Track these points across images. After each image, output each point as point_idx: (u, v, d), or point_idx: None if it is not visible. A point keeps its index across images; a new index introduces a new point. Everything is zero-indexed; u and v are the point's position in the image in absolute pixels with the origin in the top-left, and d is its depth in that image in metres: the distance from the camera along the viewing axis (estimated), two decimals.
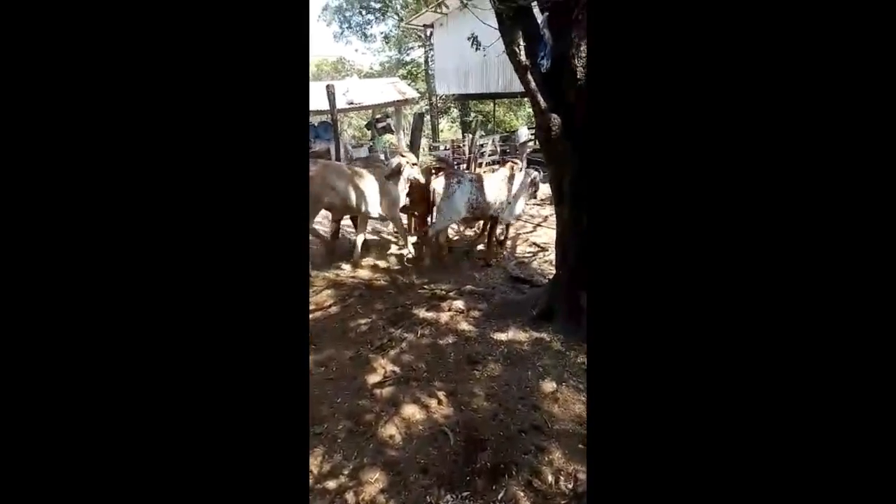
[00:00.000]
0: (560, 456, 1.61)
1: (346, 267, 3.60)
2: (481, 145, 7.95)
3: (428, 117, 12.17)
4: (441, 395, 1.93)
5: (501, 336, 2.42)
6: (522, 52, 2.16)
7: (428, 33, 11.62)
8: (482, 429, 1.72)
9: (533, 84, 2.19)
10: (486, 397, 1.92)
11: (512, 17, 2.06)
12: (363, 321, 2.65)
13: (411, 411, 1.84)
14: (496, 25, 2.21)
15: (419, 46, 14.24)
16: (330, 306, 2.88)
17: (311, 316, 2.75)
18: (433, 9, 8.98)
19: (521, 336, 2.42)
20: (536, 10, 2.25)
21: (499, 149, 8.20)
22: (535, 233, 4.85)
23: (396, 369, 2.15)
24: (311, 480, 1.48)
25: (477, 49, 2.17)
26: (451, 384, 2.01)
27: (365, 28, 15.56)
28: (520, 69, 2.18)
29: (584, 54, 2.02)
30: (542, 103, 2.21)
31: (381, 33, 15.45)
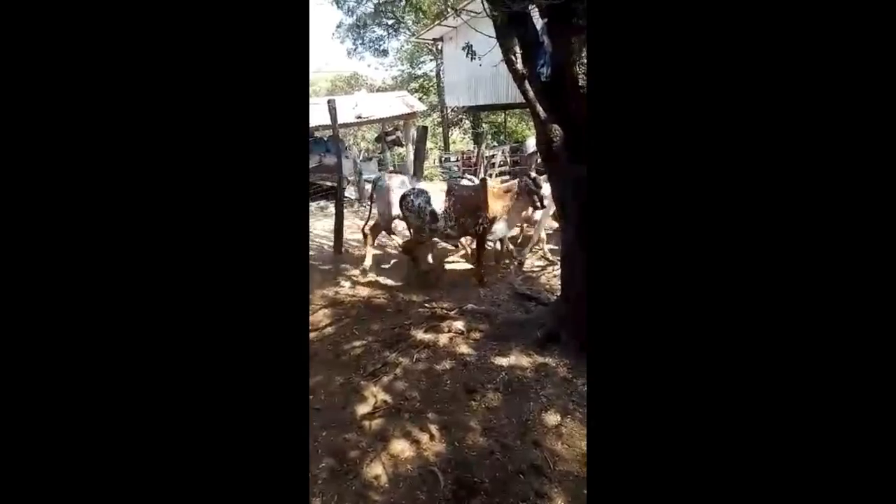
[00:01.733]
0: (562, 503, 1.43)
1: (346, 284, 3.51)
2: (491, 156, 7.85)
3: (440, 129, 12.19)
4: (433, 428, 1.78)
5: (503, 361, 2.26)
6: (519, 61, 2.04)
7: (438, 47, 11.72)
8: (476, 469, 1.56)
9: (531, 93, 2.06)
10: (482, 432, 1.76)
11: (506, 23, 1.96)
12: (358, 343, 2.53)
13: (400, 447, 1.69)
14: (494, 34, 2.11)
15: (430, 60, 14.40)
16: (325, 326, 2.78)
17: None
18: (440, 23, 9.04)
19: (524, 361, 2.26)
20: (537, 17, 2.14)
21: (508, 159, 8.09)
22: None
23: (388, 398, 2.01)
24: None
25: (472, 59, 2.07)
26: (444, 416, 1.86)
27: (378, 44, 15.85)
28: (517, 78, 2.06)
29: (586, 61, 1.89)
30: (542, 114, 2.08)
31: (383, 49, 15.68)
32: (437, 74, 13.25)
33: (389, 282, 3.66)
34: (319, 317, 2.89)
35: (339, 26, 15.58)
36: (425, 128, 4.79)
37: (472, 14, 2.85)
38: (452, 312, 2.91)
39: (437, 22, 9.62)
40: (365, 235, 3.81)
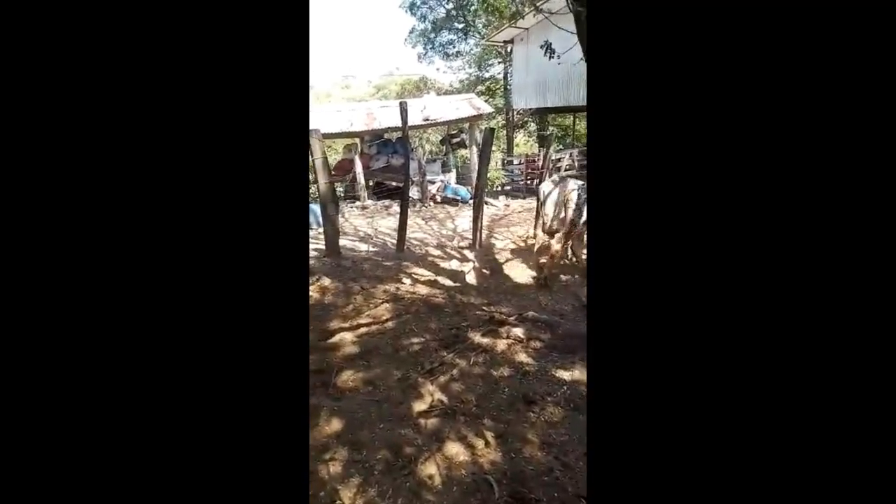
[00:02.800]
0: None
1: (407, 281, 3.59)
2: (557, 159, 7.59)
3: (503, 132, 12.09)
4: (489, 435, 1.74)
5: (564, 374, 2.15)
6: None
7: (508, 49, 11.63)
8: (533, 486, 1.49)
9: None
10: (540, 446, 1.68)
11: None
12: (416, 340, 2.56)
13: (455, 450, 1.67)
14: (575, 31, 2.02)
15: (499, 63, 14.35)
16: (386, 321, 2.86)
17: (366, 329, 2.74)
18: (512, 24, 8.96)
19: None
20: None
21: (577, 163, 7.76)
22: None
23: (444, 398, 2.00)
24: None
25: (551, 57, 2.00)
26: (501, 424, 1.80)
27: (447, 48, 16.15)
28: None
29: None
30: None
31: (456, 52, 15.89)
32: (505, 77, 13.16)
33: (448, 282, 3.67)
34: (381, 311, 2.98)
35: (411, 32, 16.12)
36: (492, 129, 4.75)
37: (550, 12, 2.77)
38: (511, 318, 2.83)
39: (508, 23, 9.54)
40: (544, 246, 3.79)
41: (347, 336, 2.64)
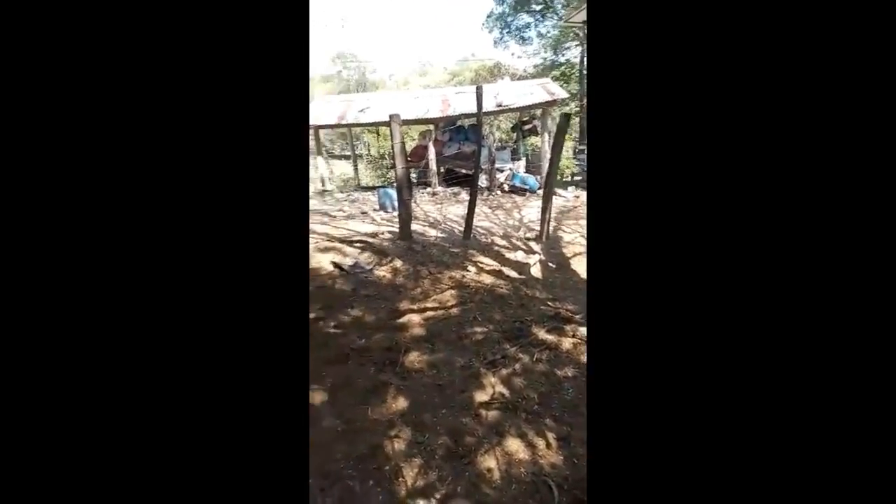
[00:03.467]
0: None
1: (472, 269, 3.59)
2: None
3: (577, 119, 11.42)
4: (551, 437, 1.69)
5: None
6: None
7: (585, 31, 10.87)
8: None
9: None
10: None
11: None
12: (479, 329, 2.56)
13: (515, 447, 1.65)
14: None
15: (576, 45, 13.51)
16: (451, 307, 2.89)
17: (432, 313, 2.80)
18: None
19: None
20: None
21: None
22: None
23: (506, 392, 1.98)
24: (403, 491, 1.45)
25: None
26: (564, 426, 1.74)
27: (523, 31, 15.57)
28: None
29: None
30: None
31: (538, 32, 15.22)
32: (581, 60, 12.36)
33: (513, 273, 3.61)
34: (447, 297, 3.02)
35: (489, 16, 15.77)
36: (568, 115, 4.48)
37: None
38: (578, 317, 2.71)
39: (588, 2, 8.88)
40: None
41: (415, 318, 2.72)
